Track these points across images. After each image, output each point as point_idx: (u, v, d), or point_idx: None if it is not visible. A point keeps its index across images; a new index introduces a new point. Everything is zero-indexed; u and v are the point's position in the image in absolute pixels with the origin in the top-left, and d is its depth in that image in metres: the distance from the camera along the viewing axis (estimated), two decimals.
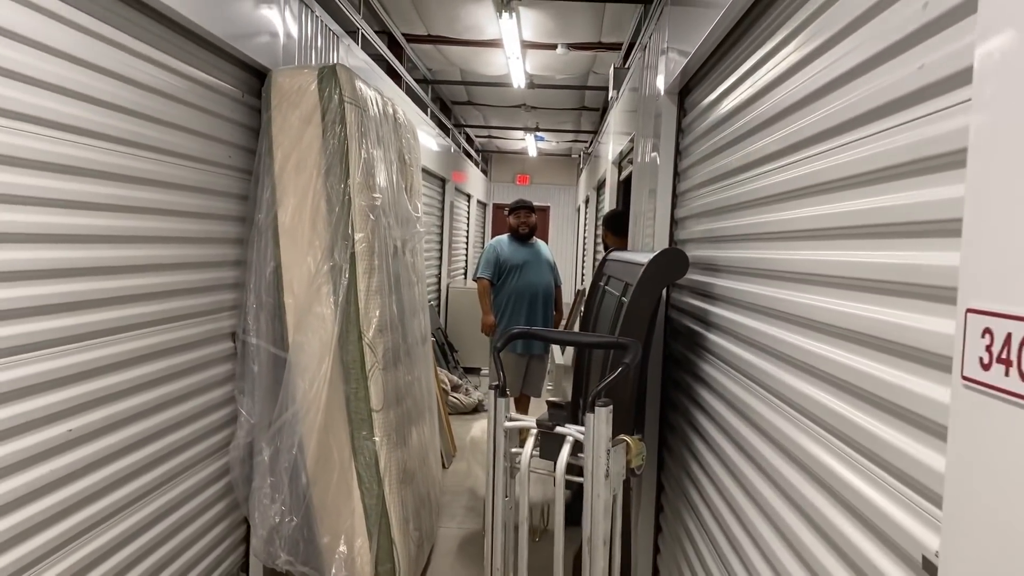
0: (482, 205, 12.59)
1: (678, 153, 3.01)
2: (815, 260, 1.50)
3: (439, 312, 8.09)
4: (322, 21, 3.55)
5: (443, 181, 8.14)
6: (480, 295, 5.11)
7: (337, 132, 2.87)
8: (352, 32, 4.43)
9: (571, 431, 2.07)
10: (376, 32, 5.50)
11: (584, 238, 9.49)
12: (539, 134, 11.45)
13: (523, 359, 5.08)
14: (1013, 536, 0.75)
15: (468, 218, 10.67)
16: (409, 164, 3.70)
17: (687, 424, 2.56)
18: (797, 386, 1.55)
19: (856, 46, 1.34)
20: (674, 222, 3.04)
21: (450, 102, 9.75)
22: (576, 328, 5.73)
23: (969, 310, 0.83)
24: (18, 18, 1.72)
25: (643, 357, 2.49)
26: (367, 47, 4.86)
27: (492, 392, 2.17)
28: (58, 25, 1.86)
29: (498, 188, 14.13)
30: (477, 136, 12.44)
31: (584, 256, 9.11)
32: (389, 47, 6.01)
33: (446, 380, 6.42)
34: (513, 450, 2.18)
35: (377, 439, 2.89)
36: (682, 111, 2.99)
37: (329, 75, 2.89)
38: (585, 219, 9.28)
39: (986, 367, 0.79)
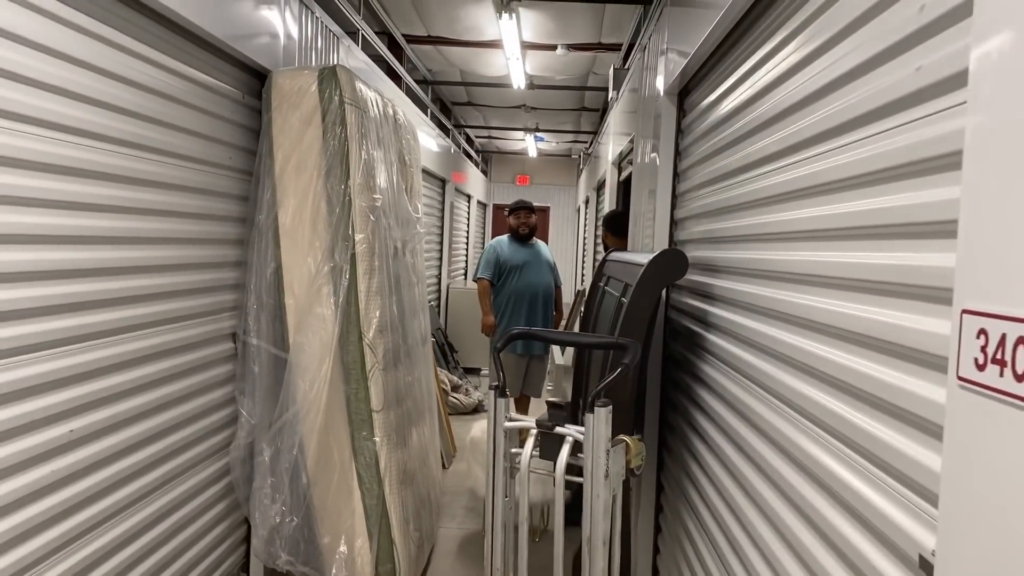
0: (482, 206, 12.60)
1: (678, 154, 3.01)
2: (814, 261, 1.51)
3: (439, 313, 8.10)
4: (322, 22, 3.55)
5: (443, 182, 8.15)
6: (480, 296, 5.12)
7: (337, 133, 2.87)
8: (352, 33, 4.44)
9: (571, 431, 2.08)
10: (376, 33, 5.50)
11: (584, 238, 9.50)
12: (539, 135, 11.45)
13: (523, 359, 5.09)
14: (1008, 534, 0.76)
15: (468, 219, 10.68)
16: (409, 165, 3.71)
17: (687, 424, 2.56)
18: (796, 387, 1.55)
19: (855, 47, 1.35)
20: (674, 223, 3.04)
21: (450, 103, 9.76)
22: (576, 328, 5.74)
23: (964, 311, 0.83)
24: (20, 20, 1.73)
25: (642, 357, 2.50)
26: (367, 48, 4.87)
27: (492, 392, 2.17)
28: (59, 27, 1.86)
29: (498, 189, 14.14)
30: (477, 137, 12.45)
31: (584, 256, 9.12)
32: (389, 48, 6.02)
33: (446, 380, 6.43)
34: (513, 450, 2.19)
35: (377, 439, 2.90)
36: (681, 112, 3.00)
37: (329, 76, 2.90)
38: (585, 220, 9.29)
39: (981, 367, 0.79)
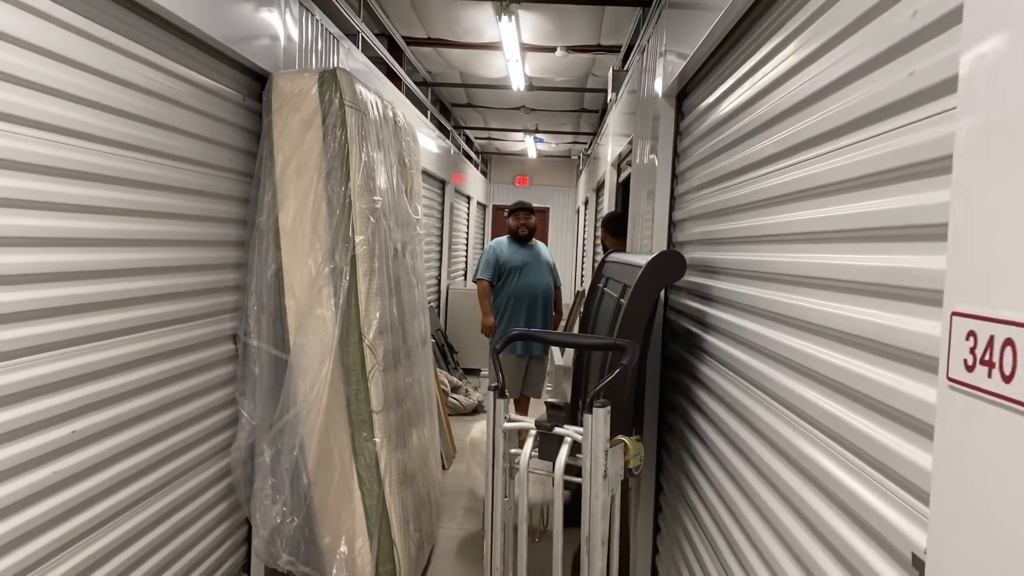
0: (482, 206, 12.61)
1: (676, 155, 3.03)
2: (810, 263, 1.52)
3: (439, 313, 8.11)
4: (322, 24, 3.57)
5: (443, 183, 8.16)
6: (480, 296, 5.13)
7: (338, 136, 2.89)
8: (352, 35, 4.45)
9: (569, 432, 2.09)
10: (376, 35, 5.52)
11: (583, 239, 9.51)
12: (538, 136, 11.47)
13: (523, 360, 5.10)
14: (997, 532, 0.77)
15: (468, 219, 10.69)
16: (409, 167, 3.72)
17: (685, 425, 2.58)
18: (793, 388, 1.57)
19: (850, 51, 1.36)
20: (672, 224, 3.05)
21: (450, 104, 9.78)
22: (576, 329, 5.75)
23: (954, 313, 0.85)
24: (21, 23, 1.74)
25: (641, 358, 2.51)
26: (367, 50, 4.89)
27: (491, 393, 2.19)
28: (58, 29, 1.87)
29: (498, 189, 14.15)
30: (477, 138, 12.46)
31: (584, 257, 9.13)
32: (389, 50, 6.03)
33: (446, 381, 6.44)
34: (512, 451, 2.20)
35: (377, 440, 2.91)
36: (680, 114, 3.01)
37: (330, 79, 2.91)
38: (584, 220, 9.30)
39: (970, 369, 0.81)
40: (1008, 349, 0.75)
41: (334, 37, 3.77)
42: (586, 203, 8.90)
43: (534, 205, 5.44)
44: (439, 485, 3.95)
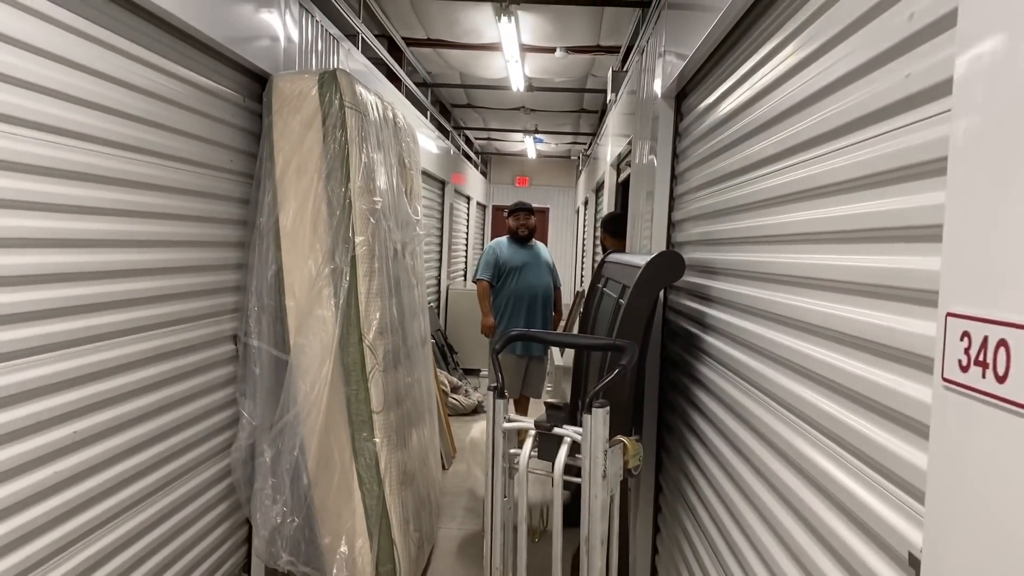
0: (481, 207, 12.62)
1: (675, 156, 3.03)
2: (809, 264, 1.53)
3: (439, 314, 8.12)
4: (322, 25, 3.57)
5: (443, 183, 8.17)
6: (480, 297, 5.14)
7: (338, 136, 2.90)
8: (352, 36, 4.46)
9: (569, 432, 2.10)
10: (376, 36, 5.52)
11: (583, 240, 9.52)
12: (538, 136, 11.48)
13: (522, 361, 5.11)
14: (991, 530, 0.78)
15: (468, 220, 10.70)
16: (409, 168, 3.73)
17: (684, 425, 2.58)
18: (791, 388, 1.57)
19: (848, 53, 1.37)
20: (671, 224, 3.06)
21: (449, 105, 9.78)
22: (575, 330, 5.75)
23: (949, 314, 0.85)
24: (20, 25, 1.75)
25: (640, 359, 2.52)
26: (367, 51, 4.89)
27: (491, 394, 2.19)
28: (58, 31, 1.88)
29: (497, 190, 14.16)
30: (476, 138, 12.47)
31: (583, 258, 9.13)
32: (389, 51, 6.04)
33: (446, 381, 6.45)
34: (512, 451, 2.20)
35: (377, 440, 2.92)
36: (679, 114, 3.02)
37: (330, 80, 2.92)
38: (584, 221, 9.31)
39: (964, 369, 0.81)
40: (1002, 350, 0.75)
41: (334, 38, 3.78)
42: (585, 203, 8.90)
43: (534, 205, 5.45)
44: (439, 485, 3.96)
